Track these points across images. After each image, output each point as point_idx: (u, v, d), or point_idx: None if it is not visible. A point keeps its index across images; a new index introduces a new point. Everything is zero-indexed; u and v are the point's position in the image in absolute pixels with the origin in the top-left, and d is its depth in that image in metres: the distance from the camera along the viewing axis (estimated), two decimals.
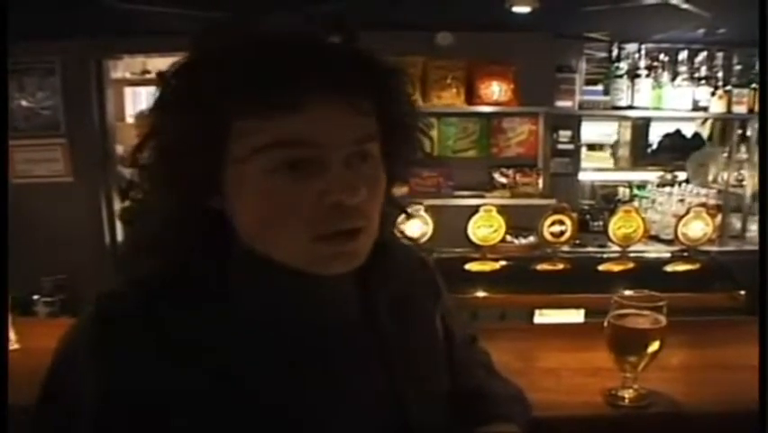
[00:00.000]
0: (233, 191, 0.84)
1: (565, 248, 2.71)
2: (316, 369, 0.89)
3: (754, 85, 4.67)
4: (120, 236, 5.20)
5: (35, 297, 4.68)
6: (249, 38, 0.83)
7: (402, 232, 1.06)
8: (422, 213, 2.45)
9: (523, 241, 3.79)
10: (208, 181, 0.84)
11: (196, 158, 0.82)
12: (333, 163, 0.81)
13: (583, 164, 5.52)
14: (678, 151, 5.94)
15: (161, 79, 0.85)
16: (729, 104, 4.82)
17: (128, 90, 6.67)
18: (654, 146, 6.64)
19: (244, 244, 0.87)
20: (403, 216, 1.03)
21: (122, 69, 6.25)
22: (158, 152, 0.85)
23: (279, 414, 0.85)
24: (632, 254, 2.63)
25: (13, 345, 1.93)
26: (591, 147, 6.30)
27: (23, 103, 4.96)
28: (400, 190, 1.00)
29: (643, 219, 2.60)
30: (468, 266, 2.55)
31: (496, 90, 4.81)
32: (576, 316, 2.49)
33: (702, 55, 4.81)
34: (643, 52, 4.78)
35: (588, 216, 4.90)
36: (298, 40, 0.83)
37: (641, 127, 6.28)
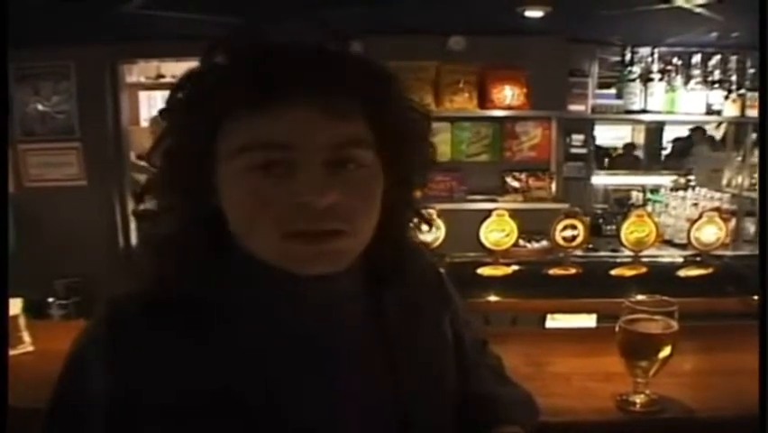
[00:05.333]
0: (221, 190, 0.86)
1: (578, 252, 2.70)
2: (315, 369, 0.89)
3: None
4: (133, 239, 5.24)
5: (49, 299, 4.72)
6: (244, 45, 0.86)
7: (416, 236, 1.06)
8: (434, 217, 2.45)
9: (535, 245, 3.78)
10: (206, 179, 0.86)
11: (192, 157, 0.85)
12: (309, 165, 0.82)
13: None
14: (692, 154, 5.93)
15: (173, 86, 0.88)
16: (743, 107, 4.80)
17: (142, 94, 6.71)
18: (668, 150, 6.62)
19: (239, 243, 0.88)
20: (419, 219, 1.03)
21: (136, 73, 6.30)
22: (164, 152, 0.88)
23: (282, 415, 0.86)
24: (645, 259, 2.61)
25: (28, 347, 1.94)
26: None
27: (39, 107, 5.01)
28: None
29: (655, 224, 2.59)
30: (480, 270, 2.54)
31: (508, 94, 4.81)
32: (588, 320, 2.48)
33: (716, 59, 4.79)
34: (656, 56, 4.77)
35: (601, 221, 4.89)
36: (282, 45, 0.85)
37: (654, 131, 6.27)
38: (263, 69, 0.81)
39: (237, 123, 0.82)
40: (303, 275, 0.86)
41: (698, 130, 6.18)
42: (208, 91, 0.83)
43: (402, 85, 0.92)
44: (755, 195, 4.88)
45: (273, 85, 0.80)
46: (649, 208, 4.80)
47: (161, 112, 0.90)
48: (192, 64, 0.88)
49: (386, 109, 0.88)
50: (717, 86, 4.79)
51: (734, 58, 4.81)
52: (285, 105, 0.81)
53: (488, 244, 2.54)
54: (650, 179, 5.74)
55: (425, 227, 1.04)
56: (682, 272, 2.57)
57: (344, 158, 0.84)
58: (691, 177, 5.36)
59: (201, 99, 0.84)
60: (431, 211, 2.35)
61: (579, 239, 2.57)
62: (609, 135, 6.22)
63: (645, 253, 2.61)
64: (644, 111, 4.83)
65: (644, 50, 4.79)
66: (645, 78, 4.77)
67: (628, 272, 2.56)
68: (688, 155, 5.96)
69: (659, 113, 4.85)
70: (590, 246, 3.73)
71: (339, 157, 0.84)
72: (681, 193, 5.02)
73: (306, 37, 0.88)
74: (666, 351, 1.46)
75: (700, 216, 2.60)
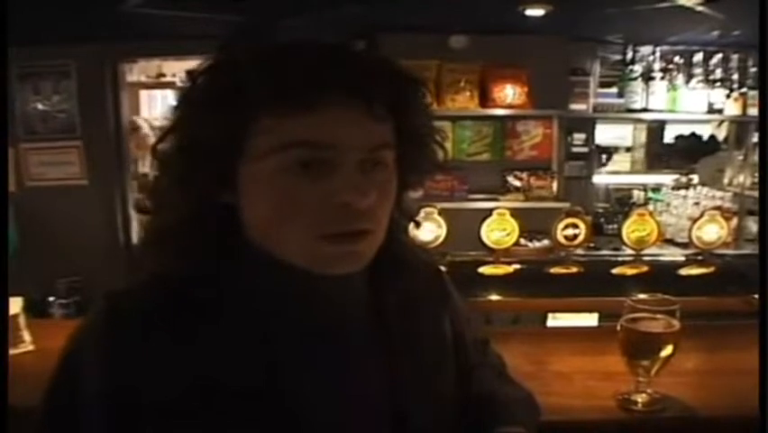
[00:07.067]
0: (245, 188, 0.85)
1: (579, 251, 2.69)
2: (320, 368, 0.89)
3: None
4: (134, 239, 5.23)
5: (50, 299, 4.73)
6: (274, 41, 0.86)
7: (414, 236, 1.06)
8: (435, 216, 2.45)
9: (537, 244, 3.77)
10: (223, 176, 0.85)
11: (214, 153, 0.83)
12: (345, 166, 0.82)
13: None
14: (693, 153, 5.91)
15: (190, 77, 0.87)
16: (744, 106, 4.80)
17: (143, 93, 6.70)
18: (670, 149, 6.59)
19: (253, 241, 0.87)
20: (412, 223, 1.04)
21: (137, 72, 6.28)
22: (179, 144, 0.87)
23: (284, 411, 0.85)
24: (646, 258, 2.61)
25: (28, 346, 1.94)
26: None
27: (39, 106, 5.00)
28: (415, 194, 1.01)
29: (657, 222, 2.58)
30: (481, 270, 2.53)
31: (510, 93, 4.80)
32: (589, 319, 2.48)
33: (717, 57, 4.79)
34: (657, 55, 4.77)
35: (602, 220, 4.89)
36: (322, 44, 0.85)
37: (656, 130, 6.25)
38: (304, 68, 0.80)
39: (273, 121, 0.80)
40: (323, 274, 0.86)
41: None
42: (239, 88, 0.81)
43: (426, 89, 0.93)
44: (757, 194, 4.88)
45: (315, 84, 0.80)
46: (651, 207, 4.80)
47: (177, 103, 0.88)
48: (193, 63, 0.87)
49: (412, 113, 0.90)
50: (718, 84, 4.79)
51: (735, 56, 4.81)
52: (326, 104, 0.80)
53: (489, 243, 2.54)
54: (651, 178, 5.73)
55: (417, 229, 1.05)
56: (684, 271, 2.57)
57: (376, 159, 0.85)
58: (693, 176, 5.35)
59: (230, 95, 0.81)
60: (431, 210, 2.37)
61: (580, 238, 2.57)
62: (611, 135, 6.20)
63: (647, 251, 2.61)
64: (645, 110, 4.83)
65: (646, 49, 4.79)
66: (647, 77, 4.77)
67: (630, 271, 2.56)
68: (691, 153, 5.94)
69: (660, 112, 4.85)
70: (592, 245, 3.73)
71: (372, 158, 0.85)
72: (682, 192, 5.02)
73: (336, 37, 0.88)
74: (668, 350, 1.46)
75: (702, 215, 2.60)
